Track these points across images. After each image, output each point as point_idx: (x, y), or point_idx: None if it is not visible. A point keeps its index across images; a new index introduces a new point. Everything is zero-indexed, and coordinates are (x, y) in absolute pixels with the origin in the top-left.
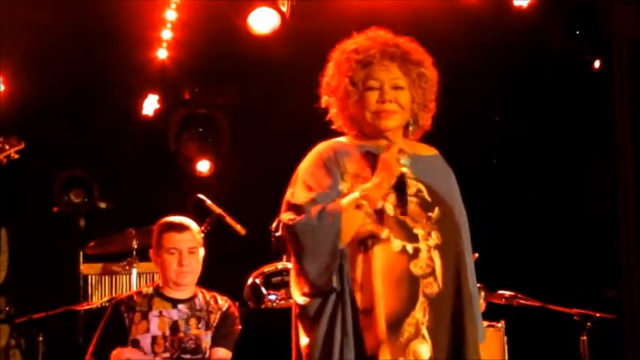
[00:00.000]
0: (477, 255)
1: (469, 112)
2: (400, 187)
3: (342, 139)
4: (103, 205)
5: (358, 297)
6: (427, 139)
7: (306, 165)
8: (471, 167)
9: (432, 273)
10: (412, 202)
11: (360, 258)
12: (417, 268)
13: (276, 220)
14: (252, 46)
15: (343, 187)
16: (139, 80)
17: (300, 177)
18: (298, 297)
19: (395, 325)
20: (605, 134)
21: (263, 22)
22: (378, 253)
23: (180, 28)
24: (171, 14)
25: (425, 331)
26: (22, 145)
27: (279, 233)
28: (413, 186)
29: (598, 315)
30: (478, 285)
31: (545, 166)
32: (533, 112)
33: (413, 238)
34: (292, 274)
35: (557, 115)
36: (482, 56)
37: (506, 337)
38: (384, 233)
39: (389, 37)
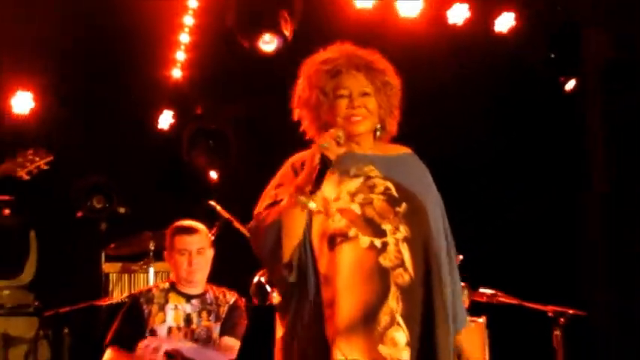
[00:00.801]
0: (461, 257)
1: (456, 127)
2: (320, 168)
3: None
4: (122, 210)
5: (324, 290)
6: (419, 151)
7: (275, 177)
8: (454, 175)
9: (402, 264)
10: (380, 200)
11: (327, 255)
12: (387, 260)
13: None
14: (257, 65)
15: None
16: (155, 97)
17: (266, 192)
18: (274, 296)
19: (371, 315)
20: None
21: (268, 43)
22: (347, 250)
23: (193, 49)
24: (184, 37)
25: (400, 319)
26: (51, 158)
27: None
28: (381, 185)
29: (571, 312)
30: (462, 284)
31: (523, 175)
32: (514, 128)
33: (380, 233)
34: None
35: (537, 129)
36: (467, 77)
37: (487, 331)
38: (352, 232)
39: (353, 48)
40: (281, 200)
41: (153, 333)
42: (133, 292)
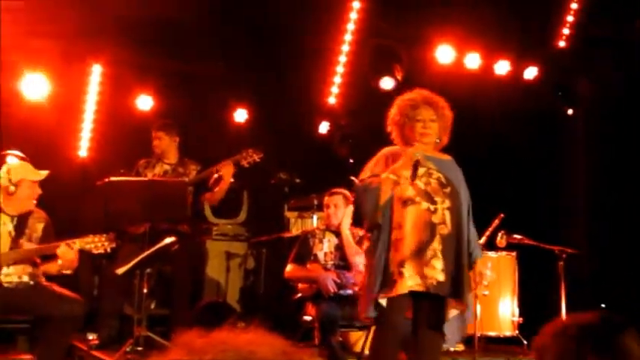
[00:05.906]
0: (502, 215)
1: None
2: (414, 167)
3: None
4: (297, 180)
5: (395, 232)
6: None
7: (372, 160)
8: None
9: (444, 222)
10: (435, 183)
11: (401, 211)
12: (436, 218)
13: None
14: (379, 98)
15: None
16: (318, 114)
17: (366, 167)
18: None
19: (421, 250)
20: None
21: (386, 83)
22: (412, 210)
23: (341, 86)
24: (337, 79)
25: (439, 254)
26: (262, 154)
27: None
28: (435, 174)
29: (569, 250)
30: (502, 231)
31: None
32: (534, 139)
33: (434, 202)
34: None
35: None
36: (505, 105)
37: (517, 261)
38: (417, 199)
39: (427, 92)
40: (377, 175)
41: (315, 256)
42: (304, 229)
